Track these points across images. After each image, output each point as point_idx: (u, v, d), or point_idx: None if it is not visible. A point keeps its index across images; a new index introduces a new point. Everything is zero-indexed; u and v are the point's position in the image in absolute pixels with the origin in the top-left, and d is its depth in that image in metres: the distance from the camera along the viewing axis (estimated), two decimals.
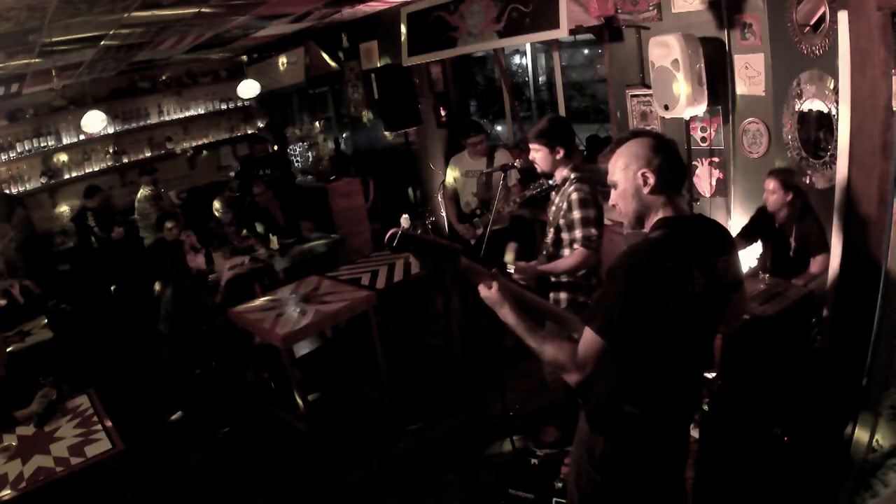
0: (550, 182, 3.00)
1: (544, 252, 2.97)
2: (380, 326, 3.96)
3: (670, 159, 1.69)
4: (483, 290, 1.77)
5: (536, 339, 1.68)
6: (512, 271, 2.77)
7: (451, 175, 4.73)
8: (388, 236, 1.67)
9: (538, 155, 2.91)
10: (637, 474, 1.74)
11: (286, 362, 3.60)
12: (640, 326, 1.56)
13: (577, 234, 2.76)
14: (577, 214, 2.76)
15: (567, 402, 3.21)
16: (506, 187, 3.34)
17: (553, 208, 2.93)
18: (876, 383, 2.29)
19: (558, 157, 2.86)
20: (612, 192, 1.77)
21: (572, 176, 2.84)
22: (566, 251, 2.84)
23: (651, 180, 1.66)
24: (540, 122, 2.94)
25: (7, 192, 6.25)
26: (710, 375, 3.11)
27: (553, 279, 2.92)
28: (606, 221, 4.19)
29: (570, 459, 2.98)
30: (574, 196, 2.77)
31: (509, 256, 2.81)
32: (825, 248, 3.08)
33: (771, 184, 3.22)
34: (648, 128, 4.32)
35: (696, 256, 1.62)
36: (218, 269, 4.85)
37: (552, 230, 2.91)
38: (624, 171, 1.71)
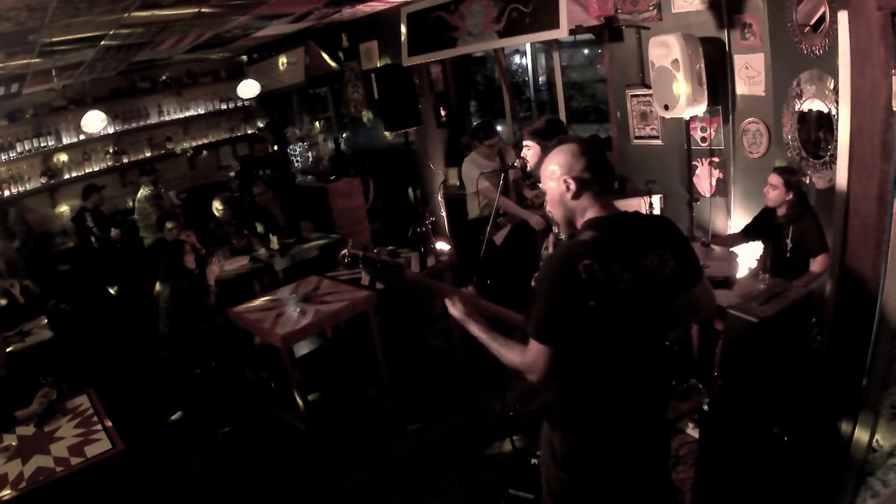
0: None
1: (546, 249, 2.99)
2: (380, 326, 3.96)
3: (593, 163, 1.73)
4: (449, 306, 1.90)
5: (496, 347, 1.79)
6: (498, 243, 2.79)
7: (471, 177, 4.57)
8: (339, 256, 1.78)
9: (529, 153, 2.94)
10: (598, 469, 1.77)
11: (286, 362, 3.60)
12: (568, 327, 1.60)
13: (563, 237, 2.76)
14: None
15: None
16: (506, 185, 3.35)
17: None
18: (876, 383, 2.29)
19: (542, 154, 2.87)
20: (547, 200, 1.84)
21: None
22: None
23: (572, 186, 1.72)
24: (537, 121, 2.94)
25: None
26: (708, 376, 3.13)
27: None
28: None
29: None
30: None
31: (498, 236, 2.82)
32: (824, 249, 3.09)
33: (774, 178, 3.23)
34: (647, 129, 4.32)
35: (620, 252, 1.64)
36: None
37: (553, 230, 2.92)
38: (548, 179, 1.79)
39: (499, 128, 7.51)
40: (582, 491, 1.81)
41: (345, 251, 1.86)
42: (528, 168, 3.00)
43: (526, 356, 1.67)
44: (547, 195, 1.82)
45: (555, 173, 1.76)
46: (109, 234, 6.07)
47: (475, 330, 1.86)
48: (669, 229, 1.80)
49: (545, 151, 2.85)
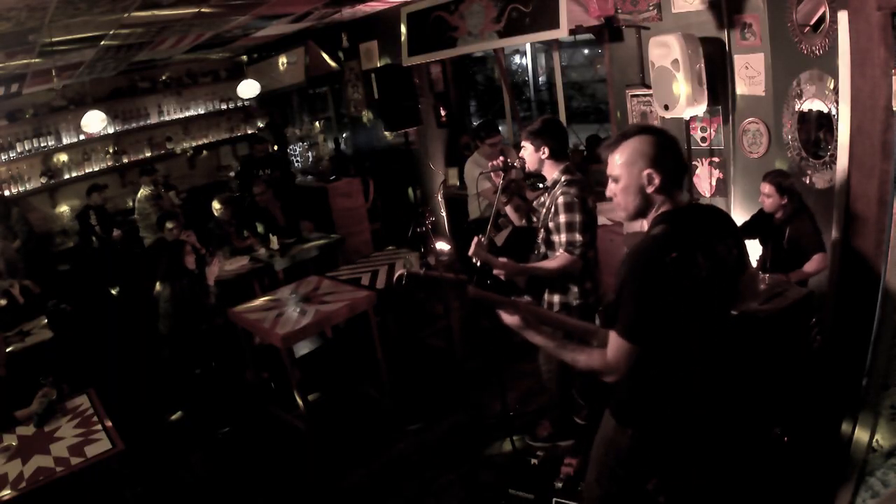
0: (545, 184, 3.01)
1: (535, 252, 2.99)
2: (380, 326, 3.96)
3: (675, 158, 1.71)
4: (506, 318, 1.82)
5: (567, 353, 1.74)
6: (476, 262, 2.79)
7: (472, 177, 4.60)
8: (395, 278, 1.74)
9: (525, 152, 2.94)
10: (662, 468, 1.77)
11: (286, 362, 3.60)
12: (659, 321, 1.59)
13: (562, 237, 2.77)
14: (562, 218, 2.77)
15: (561, 398, 3.24)
16: (507, 185, 3.35)
17: (543, 210, 2.94)
18: (876, 383, 2.29)
19: (543, 156, 2.87)
20: (612, 185, 1.77)
21: (563, 179, 2.84)
22: (558, 253, 2.85)
23: (657, 180, 1.68)
24: (534, 122, 2.95)
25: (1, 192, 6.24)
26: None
27: (549, 282, 2.93)
28: (606, 221, 4.21)
29: (572, 466, 2.99)
30: (560, 200, 2.77)
31: (472, 249, 2.82)
32: (820, 248, 3.09)
33: (766, 187, 3.24)
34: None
35: (698, 243, 1.64)
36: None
37: (543, 231, 2.92)
38: (628, 167, 1.71)
39: (499, 128, 7.52)
40: (637, 489, 1.80)
41: (401, 272, 1.81)
42: (527, 169, 3.00)
43: (610, 357, 1.63)
44: (619, 182, 1.74)
45: (636, 163, 1.70)
46: (112, 233, 6.07)
47: (540, 339, 1.80)
48: (727, 218, 1.83)
49: (538, 150, 2.88)
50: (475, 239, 2.85)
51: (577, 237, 2.75)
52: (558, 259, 2.79)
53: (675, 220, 1.68)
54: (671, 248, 1.60)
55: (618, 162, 1.74)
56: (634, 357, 1.61)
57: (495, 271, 2.78)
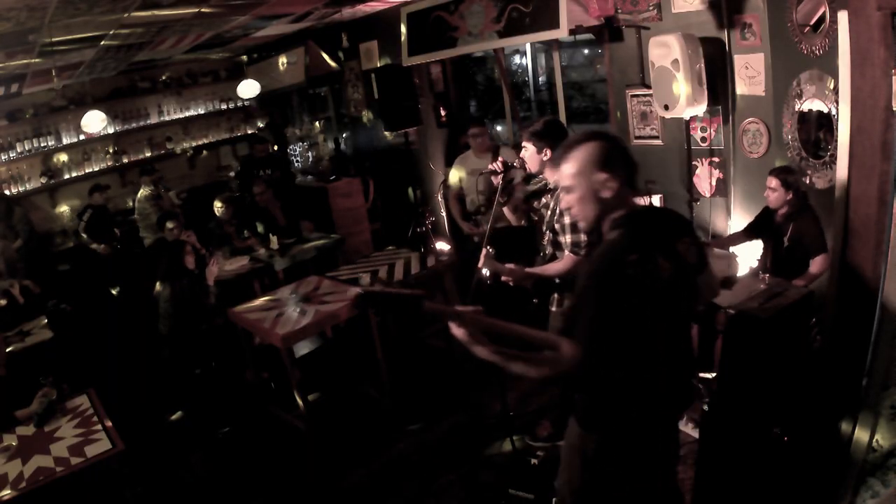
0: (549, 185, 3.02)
1: (542, 254, 2.99)
2: (380, 326, 3.96)
3: (625, 160, 1.72)
4: (454, 330, 1.76)
5: (516, 365, 1.68)
6: (486, 273, 2.79)
7: (457, 175, 4.72)
8: (352, 298, 1.72)
9: (527, 153, 2.94)
10: (626, 471, 1.76)
11: (286, 362, 3.60)
12: (618, 327, 1.58)
13: (567, 239, 2.79)
14: (566, 220, 2.78)
15: (561, 397, 3.25)
16: (505, 185, 3.34)
17: (548, 212, 2.94)
18: (876, 383, 2.29)
19: (544, 157, 2.88)
20: (566, 196, 1.77)
21: None
22: (565, 254, 2.86)
23: (611, 184, 1.68)
24: (535, 123, 2.95)
25: (2, 191, 6.24)
26: (708, 376, 3.12)
27: (557, 280, 2.94)
28: None
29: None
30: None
31: (481, 262, 2.82)
32: (823, 249, 3.09)
33: (772, 181, 3.23)
34: (647, 129, 4.33)
35: (658, 244, 1.64)
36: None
37: (548, 232, 2.93)
38: (580, 176, 1.71)
39: (499, 128, 7.52)
40: (604, 492, 1.80)
41: (357, 290, 1.75)
42: (528, 169, 3.01)
43: (561, 363, 1.61)
44: (573, 192, 1.74)
45: (586, 170, 1.70)
46: (100, 243, 6.05)
47: (486, 354, 1.71)
48: (681, 218, 1.85)
49: (540, 152, 2.89)
50: (483, 251, 2.85)
51: (582, 238, 2.76)
52: (564, 261, 2.80)
53: (633, 222, 1.68)
54: (631, 250, 1.60)
55: (568, 172, 1.74)
56: (589, 363, 1.59)
57: (503, 278, 2.79)
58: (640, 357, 1.66)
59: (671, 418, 1.83)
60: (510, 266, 2.82)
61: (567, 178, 1.75)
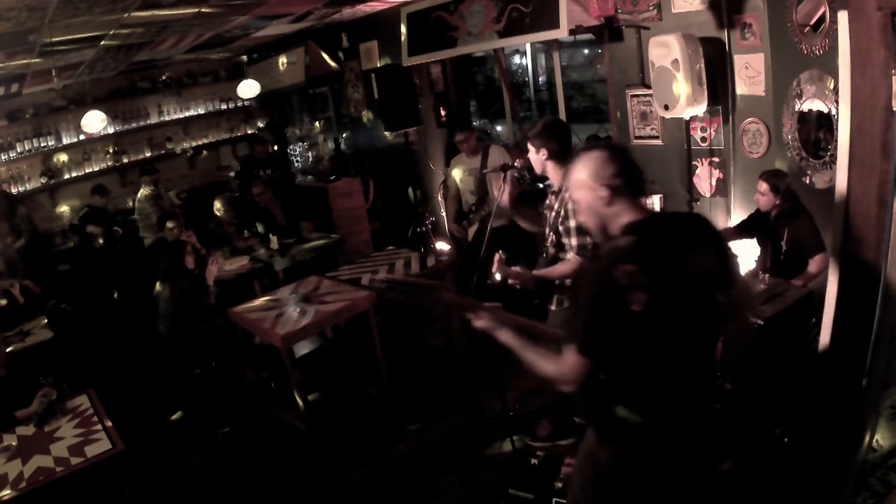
0: (545, 184, 3.04)
1: (544, 255, 2.99)
2: (380, 326, 3.95)
3: (624, 168, 1.71)
4: (474, 321, 1.83)
5: (530, 354, 1.72)
6: (498, 277, 2.79)
7: (455, 175, 4.74)
8: (372, 284, 1.75)
9: (531, 155, 2.96)
10: (639, 485, 1.72)
11: (286, 362, 3.60)
12: (610, 336, 1.57)
13: (573, 242, 2.79)
14: (571, 223, 2.79)
15: (561, 397, 3.24)
16: (507, 186, 3.36)
17: (553, 213, 2.95)
18: (876, 383, 2.29)
19: (543, 158, 2.90)
20: (577, 209, 1.82)
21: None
22: (569, 256, 2.87)
23: (606, 194, 1.69)
24: (536, 124, 2.97)
25: (5, 190, 6.25)
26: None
27: (557, 282, 2.95)
28: None
29: (572, 466, 2.99)
30: (570, 205, 2.78)
31: (495, 266, 2.83)
32: (821, 249, 3.09)
33: (762, 186, 3.26)
34: (647, 129, 4.33)
35: (661, 254, 1.60)
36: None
37: (552, 234, 2.93)
38: (581, 188, 1.75)
39: (499, 128, 7.52)
40: (619, 501, 1.78)
41: (382, 276, 1.79)
42: (537, 171, 3.02)
43: (561, 366, 1.63)
44: (579, 204, 1.79)
45: (585, 182, 1.73)
46: (112, 233, 6.06)
47: (506, 337, 1.79)
48: (705, 227, 1.76)
49: (538, 153, 2.90)
50: (497, 255, 2.86)
51: (588, 240, 2.77)
52: (570, 263, 2.81)
53: (639, 230, 1.66)
54: (627, 259, 1.57)
55: (573, 186, 1.78)
56: (587, 369, 1.59)
57: (511, 280, 2.80)
58: (647, 370, 1.62)
59: (687, 427, 1.76)
60: (517, 269, 2.83)
61: (573, 189, 1.79)
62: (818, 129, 3.01)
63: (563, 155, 2.89)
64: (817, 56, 2.87)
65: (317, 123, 7.81)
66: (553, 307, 3.01)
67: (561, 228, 2.85)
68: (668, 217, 1.79)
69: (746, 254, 3.54)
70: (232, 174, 7.96)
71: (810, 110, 3.04)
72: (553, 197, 2.97)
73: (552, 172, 2.93)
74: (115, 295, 6.03)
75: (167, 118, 7.61)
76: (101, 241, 5.96)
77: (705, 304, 1.66)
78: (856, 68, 2.27)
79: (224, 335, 4.29)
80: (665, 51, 3.52)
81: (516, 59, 7.70)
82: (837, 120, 2.58)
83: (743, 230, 3.54)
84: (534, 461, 3.24)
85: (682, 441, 1.75)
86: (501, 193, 3.34)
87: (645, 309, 1.55)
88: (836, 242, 2.56)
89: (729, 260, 1.75)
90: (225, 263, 4.99)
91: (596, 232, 1.79)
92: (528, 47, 7.07)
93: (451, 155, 6.39)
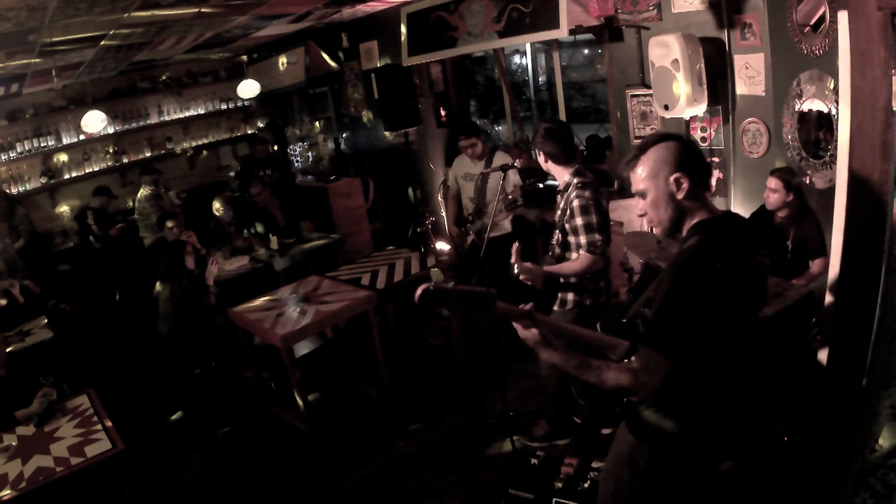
0: (545, 184, 3.07)
1: (550, 253, 3.01)
2: (380, 326, 3.96)
3: (698, 160, 1.66)
4: (522, 332, 1.69)
5: (591, 372, 1.60)
6: (517, 271, 2.79)
7: (453, 176, 4.74)
8: (418, 294, 1.59)
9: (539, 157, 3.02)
10: (680, 487, 1.71)
11: (286, 362, 3.60)
12: (699, 336, 1.51)
13: (582, 239, 2.81)
14: (579, 221, 2.81)
15: (559, 396, 3.25)
16: (504, 190, 3.37)
17: (558, 212, 2.97)
18: (876, 383, 2.29)
19: (542, 160, 2.96)
20: (641, 202, 1.71)
21: (575, 181, 2.89)
22: (574, 254, 2.88)
23: (685, 184, 1.62)
24: (540, 126, 3.01)
25: (5, 191, 6.25)
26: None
27: (562, 280, 2.96)
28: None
29: (573, 467, 2.99)
30: (575, 203, 2.82)
31: (514, 257, 2.83)
32: (824, 252, 3.08)
33: (773, 182, 3.22)
34: (647, 129, 4.33)
35: (739, 253, 1.58)
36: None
37: (558, 232, 2.95)
38: (653, 178, 1.66)
39: (499, 128, 7.52)
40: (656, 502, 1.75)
41: (427, 286, 1.58)
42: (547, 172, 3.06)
43: (643, 375, 1.53)
44: (647, 197, 1.68)
45: (660, 171, 1.64)
46: (108, 231, 6.07)
47: (557, 358, 1.64)
48: (756, 227, 1.77)
49: (538, 154, 2.92)
50: (515, 245, 2.85)
51: (597, 237, 2.80)
52: (581, 260, 2.83)
53: (713, 229, 1.61)
54: (715, 259, 1.53)
55: (641, 176, 1.68)
56: (668, 372, 1.51)
57: (522, 277, 2.80)
58: (710, 368, 1.59)
59: (735, 430, 1.75)
60: (528, 264, 2.84)
61: (640, 181, 1.69)
62: (818, 129, 3.01)
63: (563, 156, 2.90)
64: (817, 56, 2.87)
65: (317, 123, 7.81)
66: (556, 307, 3.01)
67: (567, 227, 2.87)
68: (729, 217, 1.72)
69: None
70: (232, 174, 7.96)
71: (810, 110, 3.04)
72: (559, 196, 2.99)
73: (556, 173, 2.97)
74: (116, 295, 6.03)
75: (167, 118, 7.61)
76: (95, 228, 5.95)
77: (764, 296, 1.67)
78: (856, 68, 2.27)
79: (224, 335, 4.29)
80: (665, 51, 3.52)
81: (516, 59, 7.71)
82: (837, 120, 2.58)
83: None
84: (534, 461, 3.24)
85: (727, 441, 1.73)
86: (497, 208, 3.35)
87: (731, 307, 1.52)
88: (835, 242, 2.57)
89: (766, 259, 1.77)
90: (225, 263, 4.99)
91: (665, 228, 1.69)
92: (528, 47, 7.07)
93: (452, 155, 6.40)
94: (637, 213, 1.75)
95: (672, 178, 1.63)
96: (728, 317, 1.54)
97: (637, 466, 1.74)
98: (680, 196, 1.63)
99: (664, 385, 1.53)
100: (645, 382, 1.53)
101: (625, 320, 1.68)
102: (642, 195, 1.70)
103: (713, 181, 4.03)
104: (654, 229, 1.76)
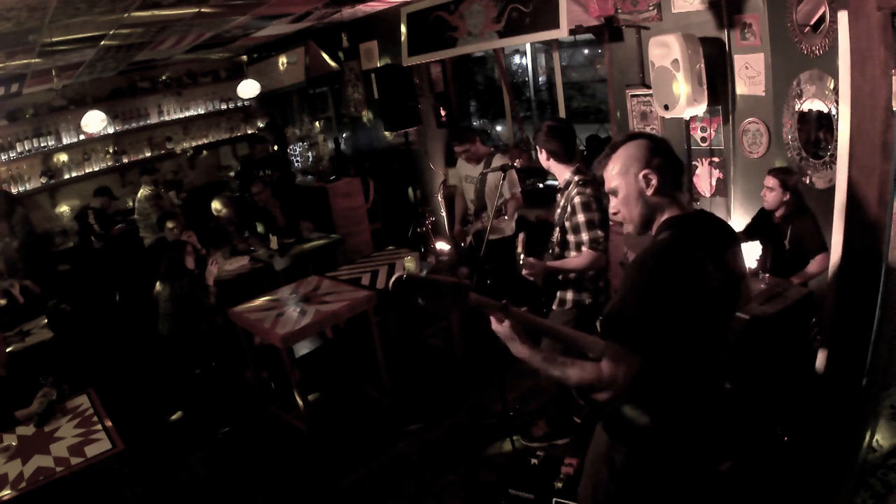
0: (544, 184, 3.08)
1: (550, 251, 3.01)
2: (380, 326, 3.96)
3: (668, 157, 1.67)
4: (495, 325, 1.69)
5: (557, 368, 1.59)
6: (521, 263, 2.80)
7: (457, 176, 4.74)
8: (392, 283, 1.60)
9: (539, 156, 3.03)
10: (658, 485, 1.70)
11: (286, 362, 3.60)
12: (664, 333, 1.51)
13: (584, 237, 2.82)
14: (581, 218, 2.81)
15: (558, 396, 3.26)
16: (502, 194, 3.39)
17: (558, 210, 2.97)
18: (876, 383, 2.29)
19: (544, 158, 2.97)
20: (613, 200, 1.72)
21: (576, 179, 2.90)
22: (573, 253, 2.88)
23: (654, 181, 1.64)
24: (541, 126, 3.02)
25: (5, 190, 6.25)
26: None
27: (561, 279, 2.96)
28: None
29: (573, 467, 2.99)
30: (576, 200, 2.82)
31: (520, 247, 2.84)
32: (822, 249, 3.09)
33: (770, 181, 3.24)
34: (647, 129, 4.33)
35: (708, 251, 1.59)
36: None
37: (558, 231, 2.96)
38: (623, 175, 1.68)
39: (499, 128, 7.52)
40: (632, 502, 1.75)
41: (399, 274, 1.59)
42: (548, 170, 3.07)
43: (607, 370, 1.49)
44: (619, 194, 1.70)
45: (630, 169, 1.66)
46: (111, 230, 6.07)
47: (524, 352, 1.64)
48: (729, 226, 1.76)
49: (539, 153, 2.93)
50: (521, 236, 2.85)
51: (599, 233, 2.81)
52: (584, 256, 2.83)
53: (683, 225, 1.63)
54: (681, 254, 1.54)
55: (612, 173, 1.70)
56: (635, 368, 1.49)
57: (524, 272, 2.81)
58: (679, 365, 1.59)
59: (704, 427, 1.74)
60: (531, 259, 2.84)
61: (611, 179, 1.71)
62: (818, 129, 3.01)
63: (564, 155, 2.91)
64: (817, 56, 2.87)
65: (317, 123, 7.81)
66: (555, 307, 3.02)
67: (567, 224, 2.87)
68: (703, 215, 1.72)
69: (748, 253, 3.54)
70: (232, 174, 7.96)
71: (810, 110, 3.04)
72: (559, 194, 2.99)
73: (557, 171, 2.97)
74: (116, 295, 6.03)
75: (167, 118, 7.61)
76: (96, 227, 5.95)
77: (735, 297, 1.66)
78: (856, 68, 2.27)
79: (224, 335, 4.29)
80: (665, 51, 3.52)
81: (516, 59, 7.70)
82: (837, 120, 2.58)
83: (751, 233, 3.54)
84: (534, 461, 3.24)
85: (697, 437, 1.73)
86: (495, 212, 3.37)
87: (697, 303, 1.53)
88: (835, 242, 2.57)
89: (743, 255, 1.77)
90: (225, 263, 4.99)
91: (636, 225, 1.70)
92: (528, 47, 7.06)
93: (452, 155, 6.41)
94: (611, 212, 1.77)
95: (641, 175, 1.65)
96: (694, 313, 1.54)
97: (614, 465, 1.74)
98: (649, 192, 1.65)
99: (634, 382, 1.51)
100: (610, 378, 1.49)
101: (601, 318, 1.67)
102: (614, 193, 1.72)
103: (715, 181, 4.03)
104: (625, 227, 1.78)
